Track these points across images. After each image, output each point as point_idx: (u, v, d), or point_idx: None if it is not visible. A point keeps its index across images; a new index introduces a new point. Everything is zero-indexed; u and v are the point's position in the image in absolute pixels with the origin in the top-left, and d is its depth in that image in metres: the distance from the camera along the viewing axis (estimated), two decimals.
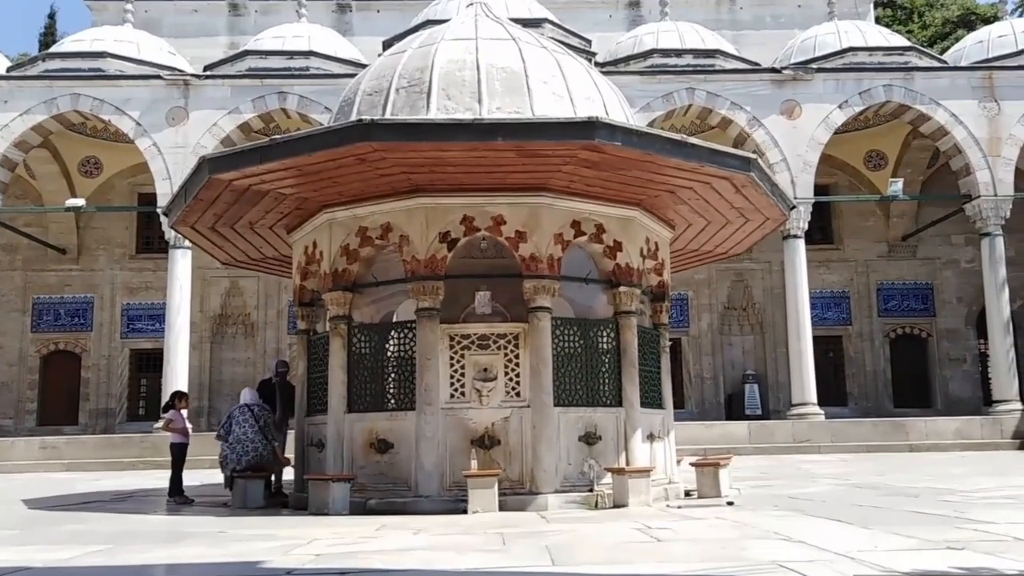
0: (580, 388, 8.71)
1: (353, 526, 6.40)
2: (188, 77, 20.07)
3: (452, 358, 8.42)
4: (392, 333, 8.84)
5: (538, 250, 8.54)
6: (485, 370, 8.40)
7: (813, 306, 21.11)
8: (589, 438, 8.55)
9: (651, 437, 9.20)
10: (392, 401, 8.67)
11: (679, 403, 18.14)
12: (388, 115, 8.88)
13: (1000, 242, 20.63)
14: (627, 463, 8.68)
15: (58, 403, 22.86)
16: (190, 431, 10.99)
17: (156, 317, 22.28)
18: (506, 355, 8.44)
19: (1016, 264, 22.75)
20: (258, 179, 8.33)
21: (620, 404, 8.83)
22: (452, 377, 8.39)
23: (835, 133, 20.81)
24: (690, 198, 9.20)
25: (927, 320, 24.41)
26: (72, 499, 10.22)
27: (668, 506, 7.73)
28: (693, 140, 8.10)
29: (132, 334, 23.31)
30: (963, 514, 5.82)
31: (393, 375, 8.76)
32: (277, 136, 7.87)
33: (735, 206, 9.53)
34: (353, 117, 9.20)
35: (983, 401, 23.85)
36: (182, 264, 19.54)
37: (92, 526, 6.67)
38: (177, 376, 19.09)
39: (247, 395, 9.98)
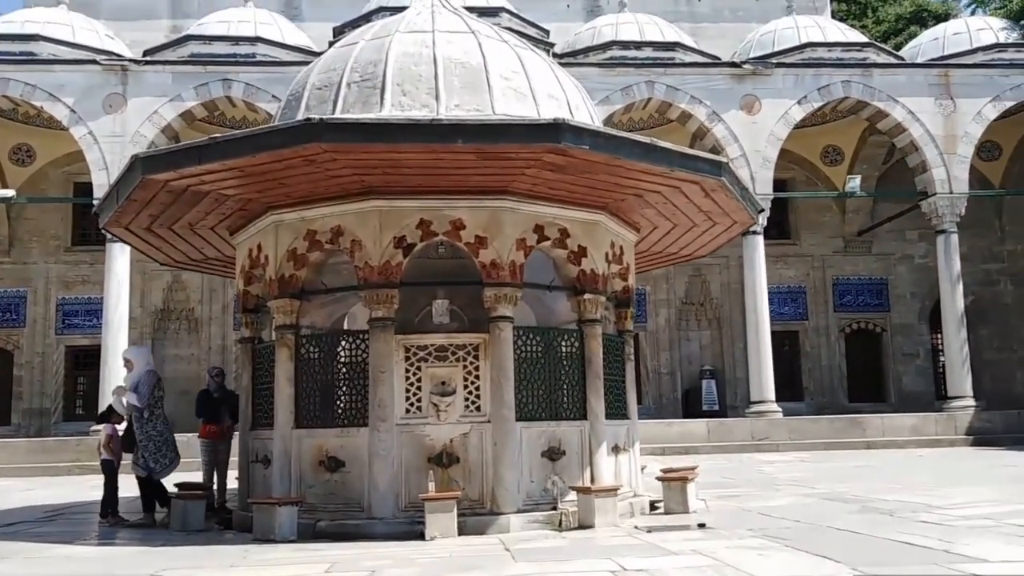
0: (543, 401, 8.27)
1: (299, 564, 5.87)
2: (126, 62, 19.11)
3: (408, 371, 7.91)
4: (343, 343, 8.29)
5: (499, 256, 8.06)
6: (443, 383, 7.91)
7: (770, 301, 20.98)
8: (552, 453, 8.13)
9: (616, 449, 8.82)
10: (343, 416, 8.13)
11: (637, 399, 17.84)
12: (339, 111, 8.31)
13: (955, 239, 20.74)
14: (592, 479, 8.29)
15: None
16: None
17: (94, 312, 21.30)
18: (465, 367, 7.96)
19: (969, 260, 22.93)
20: (197, 180, 7.70)
21: (585, 417, 8.43)
22: (408, 391, 7.88)
23: (793, 128, 20.67)
24: (657, 202, 8.80)
25: (882, 315, 24.54)
26: None
27: (636, 527, 7.34)
28: (663, 144, 7.68)
29: (68, 330, 22.29)
30: (950, 547, 5.51)
31: (344, 388, 8.23)
32: (217, 135, 7.25)
33: (703, 210, 9.17)
34: (301, 113, 8.62)
35: (936, 396, 24.09)
36: (120, 258, 18.64)
37: (11, 569, 6.04)
38: (116, 374, 18.20)
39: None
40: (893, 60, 22.60)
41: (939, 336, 24.51)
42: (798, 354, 24.21)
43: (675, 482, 8.65)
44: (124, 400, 9.18)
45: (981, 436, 18.93)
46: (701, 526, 7.14)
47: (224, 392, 10.32)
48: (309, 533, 7.55)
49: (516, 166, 7.55)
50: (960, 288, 20.60)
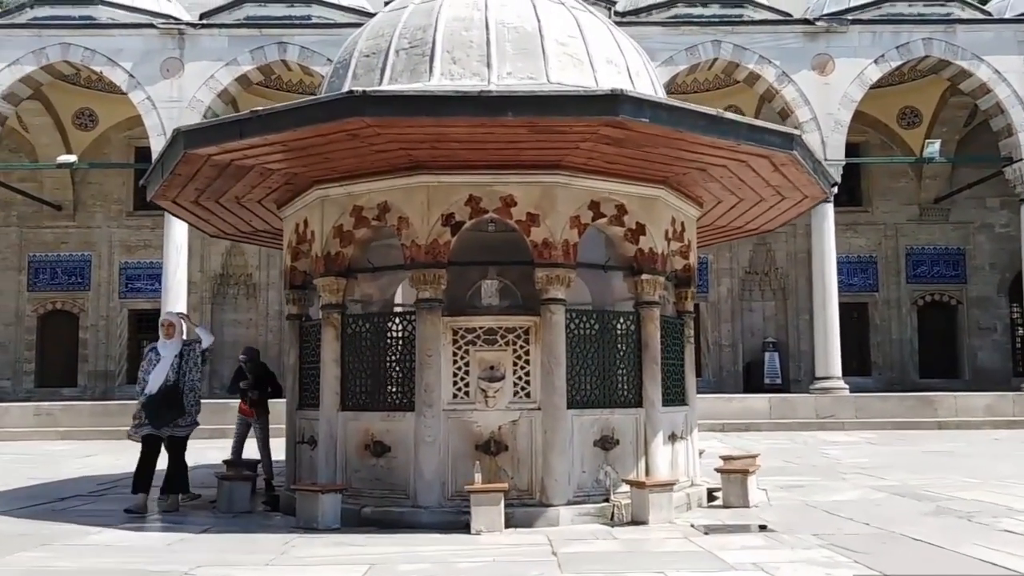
0: (596, 387, 7.88)
1: (336, 565, 5.63)
2: (183, 26, 19.01)
3: (455, 354, 7.58)
4: (390, 324, 8.00)
5: (552, 235, 7.64)
6: (492, 368, 7.57)
7: (839, 271, 20.15)
8: (605, 442, 7.76)
9: (673, 437, 8.41)
10: (389, 400, 7.87)
11: (696, 371, 17.33)
12: (386, 80, 7.94)
13: None
14: (647, 470, 7.91)
15: (56, 364, 22.32)
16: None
17: (155, 277, 21.53)
18: (515, 351, 7.60)
19: None
20: (240, 154, 7.42)
21: (640, 404, 8.01)
22: (455, 375, 7.57)
23: (868, 89, 19.59)
24: (722, 176, 8.25)
25: (957, 287, 23.42)
26: (49, 490, 9.57)
27: (693, 526, 6.95)
28: (730, 115, 7.12)
29: (130, 294, 22.65)
30: None
31: (391, 371, 7.95)
32: (259, 108, 6.95)
33: (772, 184, 8.57)
34: (348, 82, 8.26)
35: (1013, 372, 23.00)
36: (179, 224, 18.64)
37: (45, 560, 5.90)
38: None
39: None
40: (979, 15, 21.17)
41: (1018, 309, 23.34)
42: (867, 327, 23.30)
43: (735, 474, 8.21)
44: (188, 329, 8.94)
45: None
46: (762, 528, 6.71)
47: (259, 369, 10.34)
48: (354, 519, 7.35)
49: (570, 140, 7.09)
50: None
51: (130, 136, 22.32)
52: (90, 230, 22.72)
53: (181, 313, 9.09)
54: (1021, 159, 19.32)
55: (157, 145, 18.52)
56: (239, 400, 10.28)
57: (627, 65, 8.47)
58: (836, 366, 18.84)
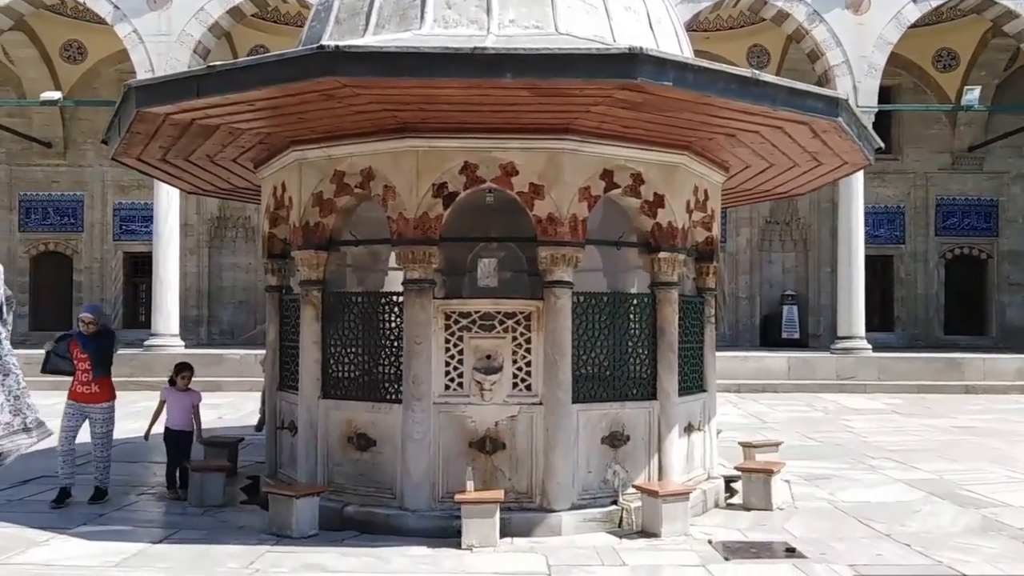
0: (605, 379, 7.08)
1: None
2: None
3: (448, 341, 6.76)
4: (377, 306, 7.16)
5: (558, 209, 6.73)
6: (488, 357, 6.75)
7: (864, 222, 19.07)
8: (614, 439, 6.98)
9: (689, 429, 7.63)
10: (375, 390, 7.09)
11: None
12: (372, 27, 6.94)
13: None
14: (660, 468, 7.15)
15: (51, 307, 21.66)
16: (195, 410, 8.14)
17: (151, 218, 20.64)
18: (514, 339, 6.77)
19: None
20: (201, 113, 6.50)
21: (654, 396, 7.21)
22: (448, 365, 6.76)
23: None
24: (753, 141, 7.27)
25: (988, 240, 22.32)
26: (14, 466, 8.89)
27: (711, 543, 6.20)
28: (766, 77, 6.11)
29: (125, 236, 21.87)
30: None
31: (377, 357, 7.15)
32: (217, 64, 5.98)
33: (808, 150, 7.60)
34: (328, 30, 7.27)
35: None
36: None
37: None
38: (168, 289, 17.71)
39: None
40: None
41: None
42: (891, 281, 22.32)
43: (757, 474, 7.44)
44: None
45: None
46: (790, 552, 5.94)
47: (104, 337, 7.83)
48: (335, 519, 6.65)
49: (580, 103, 6.12)
50: None
51: (121, 70, 21.16)
52: (82, 169, 21.81)
53: None
54: None
55: None
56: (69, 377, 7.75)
57: (647, 10, 7.43)
58: (860, 325, 17.97)
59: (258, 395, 8.19)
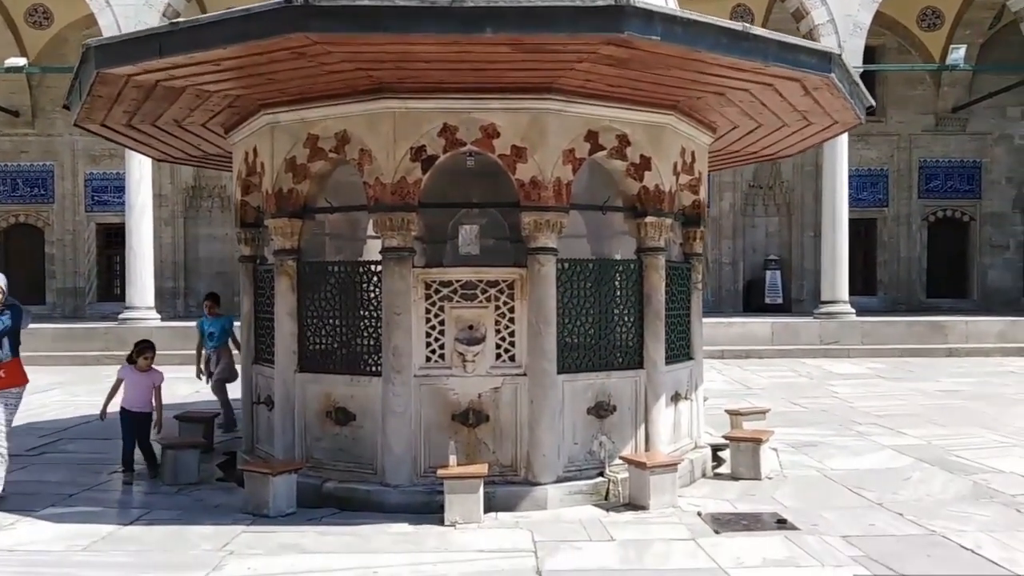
0: (591, 348, 6.88)
1: None
2: None
3: (428, 311, 6.53)
4: (355, 276, 6.90)
5: (541, 172, 6.47)
6: (471, 327, 6.53)
7: (848, 185, 18.93)
8: (601, 410, 6.81)
9: (676, 398, 7.47)
10: (354, 362, 6.86)
11: None
12: None
13: None
14: (647, 438, 7.00)
15: (23, 281, 21.10)
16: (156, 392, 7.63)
17: (123, 189, 20.15)
18: (497, 308, 6.55)
19: None
20: (165, 74, 6.16)
21: (640, 365, 7.03)
22: (428, 336, 6.53)
23: None
24: (742, 100, 7.02)
25: (971, 202, 22.27)
26: None
27: (700, 515, 6.05)
28: (756, 30, 5.85)
29: (97, 207, 21.36)
30: None
31: (355, 329, 6.90)
32: (180, 20, 5.65)
33: (798, 109, 7.36)
34: None
35: (1022, 292, 22.13)
36: None
37: None
38: (142, 262, 17.32)
39: None
40: None
41: None
42: (874, 244, 22.25)
43: (746, 443, 7.30)
44: None
45: None
46: (781, 524, 5.80)
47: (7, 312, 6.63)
48: (313, 496, 6.45)
49: (564, 60, 5.84)
50: None
51: (89, 35, 20.43)
52: (51, 138, 21.22)
53: None
54: None
55: None
56: None
57: None
58: (843, 289, 17.88)
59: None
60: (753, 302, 21.51)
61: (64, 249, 21.37)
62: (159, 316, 17.57)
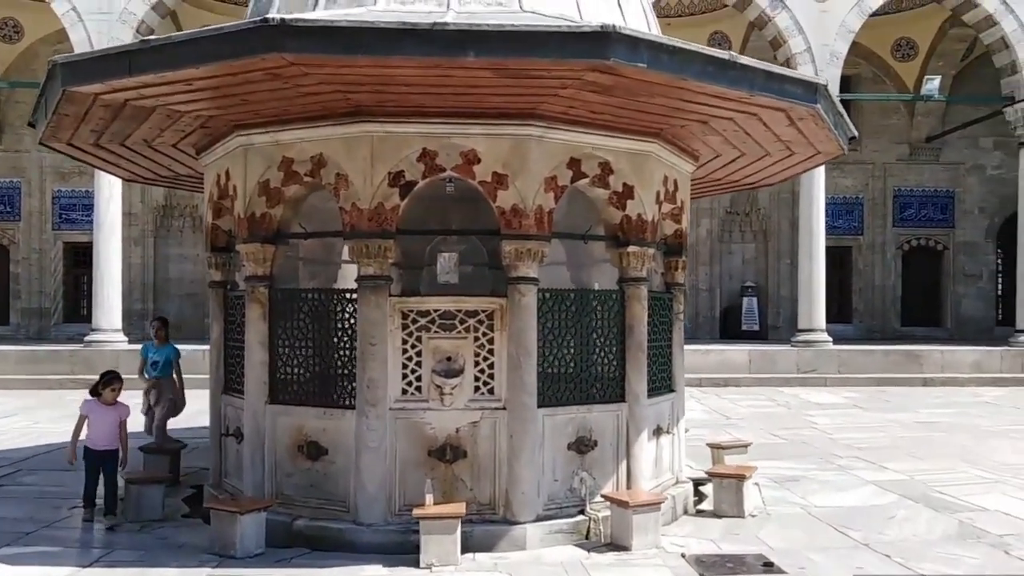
0: (572, 380, 6.70)
1: None
2: None
3: (405, 342, 6.31)
4: (329, 304, 6.67)
5: (523, 199, 6.31)
6: (449, 359, 6.32)
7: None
8: (582, 445, 6.61)
9: (658, 431, 7.30)
10: (326, 394, 6.62)
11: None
12: (322, 3, 6.45)
13: None
14: (628, 474, 6.81)
15: None
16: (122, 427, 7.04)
17: (92, 207, 19.75)
18: (476, 339, 6.35)
19: None
20: (135, 93, 5.93)
21: (622, 398, 6.86)
22: (405, 367, 6.31)
23: None
24: (726, 128, 6.92)
25: (945, 231, 22.43)
26: None
27: (684, 556, 5.86)
28: (744, 59, 5.75)
29: (65, 225, 20.90)
30: None
31: (328, 360, 6.67)
32: (152, 38, 5.44)
33: (782, 139, 7.29)
34: (276, 2, 6.75)
35: (995, 321, 22.30)
36: None
37: None
38: (110, 283, 16.93)
39: None
40: None
41: (1001, 256, 22.52)
42: (849, 272, 22.32)
43: (728, 479, 7.13)
44: None
45: None
46: (767, 567, 5.61)
47: None
48: (283, 534, 6.18)
49: (547, 86, 5.70)
50: None
51: (60, 50, 20.09)
52: (19, 154, 20.77)
53: None
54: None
55: None
56: None
57: None
58: (820, 318, 17.88)
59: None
60: (730, 328, 21.47)
61: (30, 268, 20.88)
62: (126, 339, 17.15)
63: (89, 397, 7.02)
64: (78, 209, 20.73)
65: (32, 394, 14.71)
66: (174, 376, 8.93)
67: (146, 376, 8.94)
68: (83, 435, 6.95)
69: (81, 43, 16.72)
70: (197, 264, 20.85)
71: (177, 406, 8.93)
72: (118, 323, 17.06)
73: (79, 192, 20.53)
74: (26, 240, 20.89)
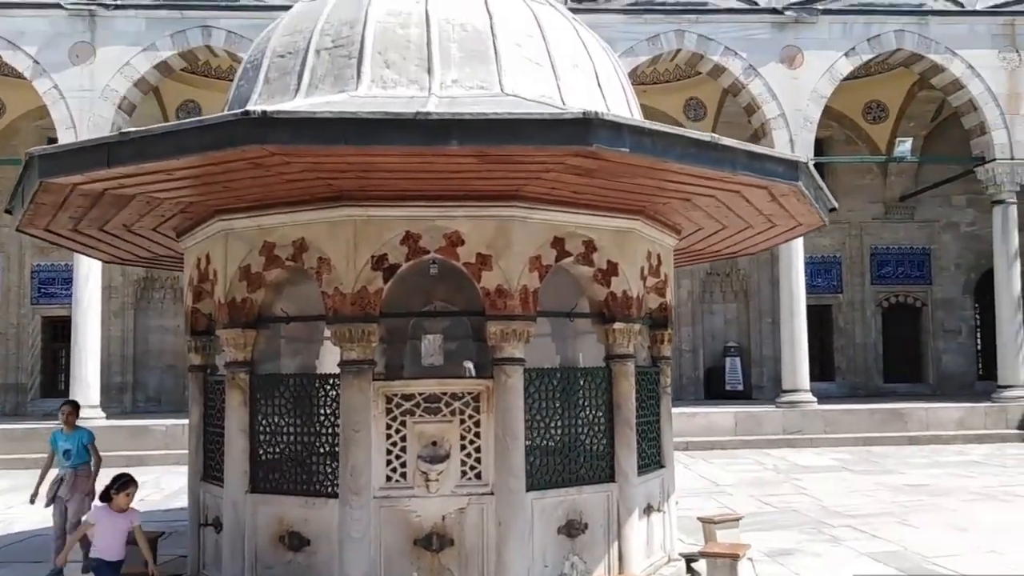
0: (561, 462, 6.59)
1: None
2: (94, 6, 17.01)
3: (390, 427, 6.20)
4: (311, 389, 6.56)
5: (507, 280, 6.28)
6: (434, 443, 6.21)
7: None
8: (572, 528, 6.48)
9: (649, 510, 7.17)
10: (308, 482, 6.46)
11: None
12: (304, 88, 6.49)
13: (1014, 210, 18.77)
14: (620, 556, 6.67)
15: None
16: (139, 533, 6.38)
17: (71, 281, 19.58)
18: (462, 423, 6.25)
19: None
20: (115, 183, 5.90)
21: (612, 478, 6.75)
22: (389, 453, 6.19)
23: None
24: (708, 205, 6.97)
25: (922, 288, 22.64)
26: None
27: None
28: (725, 141, 5.80)
29: (44, 299, 20.66)
30: None
31: (310, 446, 6.54)
32: (131, 130, 5.41)
33: (764, 213, 7.33)
34: (258, 89, 6.79)
35: (976, 376, 22.40)
36: None
37: None
38: (89, 358, 16.68)
39: None
40: (952, 7, 20.12)
41: (979, 311, 22.73)
42: (830, 330, 22.41)
43: (722, 559, 6.98)
44: None
45: None
46: None
47: None
48: None
49: (530, 170, 5.73)
50: (1018, 266, 18.65)
51: (42, 126, 20.16)
52: None
53: None
54: (994, 159, 18.45)
55: (66, 138, 16.64)
56: None
57: (595, 70, 7.12)
58: (804, 378, 17.87)
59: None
60: (714, 389, 21.41)
61: (7, 343, 20.55)
62: (104, 415, 16.82)
63: (98, 503, 6.42)
64: (57, 283, 20.53)
65: (7, 475, 14.31)
66: (91, 465, 8.09)
67: (59, 468, 8.00)
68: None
69: (63, 120, 16.76)
70: (178, 335, 20.58)
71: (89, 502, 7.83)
72: (96, 399, 16.73)
73: (59, 266, 20.35)
74: (3, 315, 20.62)
